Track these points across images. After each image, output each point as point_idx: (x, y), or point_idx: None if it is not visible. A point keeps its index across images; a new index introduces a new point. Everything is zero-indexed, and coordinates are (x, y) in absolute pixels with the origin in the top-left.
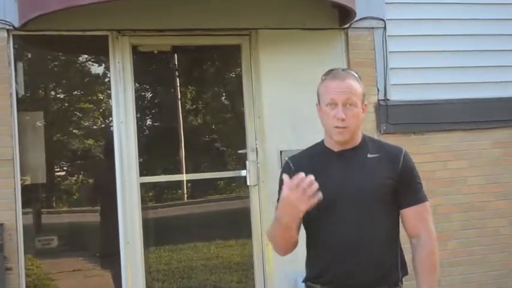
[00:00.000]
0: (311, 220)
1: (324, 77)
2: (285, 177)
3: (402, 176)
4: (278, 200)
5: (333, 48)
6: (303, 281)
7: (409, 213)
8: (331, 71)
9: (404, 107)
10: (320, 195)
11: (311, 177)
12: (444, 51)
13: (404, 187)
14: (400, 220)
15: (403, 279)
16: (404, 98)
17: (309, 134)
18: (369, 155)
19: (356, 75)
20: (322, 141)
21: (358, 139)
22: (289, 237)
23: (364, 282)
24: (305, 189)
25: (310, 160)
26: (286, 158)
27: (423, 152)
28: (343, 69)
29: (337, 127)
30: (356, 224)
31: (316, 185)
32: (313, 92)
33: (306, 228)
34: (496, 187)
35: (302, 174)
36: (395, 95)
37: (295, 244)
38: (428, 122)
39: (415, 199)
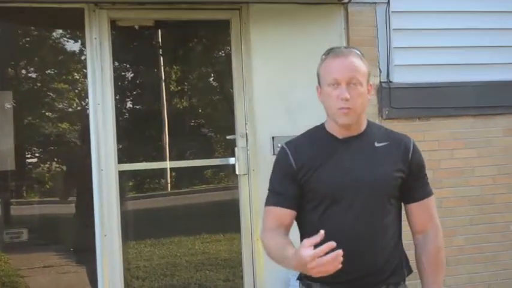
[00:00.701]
0: (311, 215)
1: (324, 56)
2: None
3: (412, 168)
4: (269, 189)
5: (331, 25)
6: (297, 279)
7: (417, 208)
8: (331, 49)
9: (408, 90)
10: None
11: (340, 252)
12: (453, 29)
13: (414, 180)
14: (406, 215)
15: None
16: (408, 80)
17: (304, 118)
18: (376, 144)
19: (359, 53)
20: (323, 125)
21: (364, 124)
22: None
23: (370, 281)
24: (327, 262)
25: (311, 147)
26: (281, 144)
27: (428, 139)
28: (345, 47)
29: (341, 108)
30: (364, 220)
31: (340, 259)
32: (309, 72)
33: (302, 223)
34: (507, 178)
35: (332, 248)
36: (399, 77)
37: None
38: (434, 106)
39: (424, 193)
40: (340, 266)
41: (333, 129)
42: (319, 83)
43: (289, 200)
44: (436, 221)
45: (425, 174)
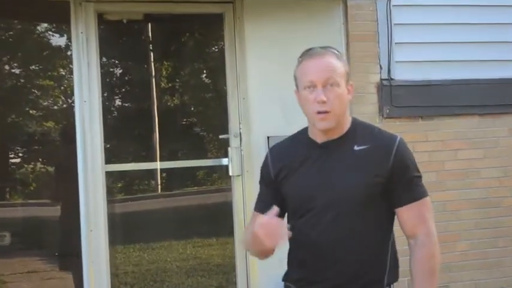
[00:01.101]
0: (290, 221)
1: (300, 59)
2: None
3: (394, 172)
4: (258, 194)
5: (329, 20)
6: (282, 280)
7: (404, 212)
8: (307, 50)
9: (410, 88)
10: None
11: (282, 222)
12: (458, 23)
13: (398, 184)
14: (397, 219)
15: (393, 285)
16: (410, 78)
17: (301, 117)
18: (355, 147)
19: (336, 52)
20: (306, 129)
21: (346, 127)
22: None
23: None
24: (273, 228)
25: (290, 152)
26: (269, 148)
27: (432, 139)
28: (321, 47)
29: (318, 112)
30: (336, 228)
31: (285, 227)
32: None
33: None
34: None
35: (273, 213)
36: (401, 74)
37: (272, 251)
38: (438, 105)
39: (411, 196)
40: (285, 237)
41: (313, 133)
42: (296, 86)
43: (270, 208)
44: (428, 225)
45: (416, 176)
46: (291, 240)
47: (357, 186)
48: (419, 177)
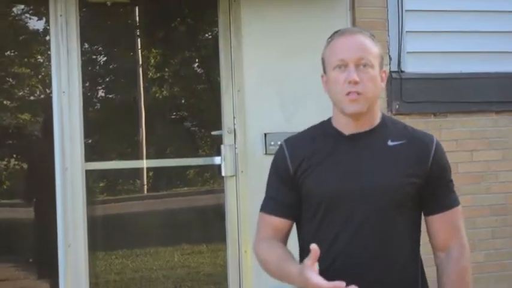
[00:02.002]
0: (308, 224)
1: (329, 39)
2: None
3: (433, 173)
4: (266, 192)
5: (334, 5)
6: None
7: (439, 221)
8: (337, 30)
9: (422, 81)
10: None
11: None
12: (476, 11)
13: (434, 188)
14: (426, 228)
15: None
16: (423, 70)
17: (301, 112)
18: (389, 142)
19: (369, 34)
20: (330, 120)
21: (377, 118)
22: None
23: None
24: None
25: (311, 144)
26: (280, 142)
27: (445, 138)
28: (353, 27)
29: (349, 93)
30: (366, 233)
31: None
32: (308, 59)
33: (300, 233)
34: None
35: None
36: (412, 66)
37: None
38: (452, 100)
39: (448, 203)
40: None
41: (339, 123)
42: (324, 70)
43: (286, 208)
44: (463, 237)
45: (450, 181)
46: (305, 246)
47: (393, 183)
48: (453, 182)
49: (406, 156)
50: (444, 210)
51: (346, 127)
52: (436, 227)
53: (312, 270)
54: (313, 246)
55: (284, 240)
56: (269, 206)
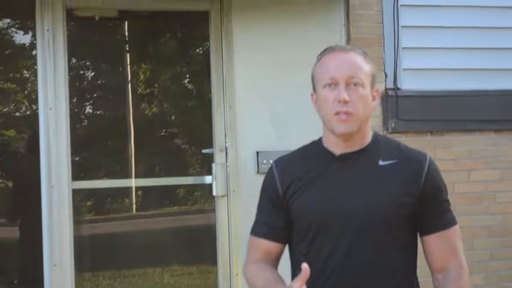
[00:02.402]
0: (299, 247)
1: (320, 56)
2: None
3: (426, 192)
4: (256, 215)
5: (328, 20)
6: None
7: (434, 241)
8: (329, 47)
9: (418, 99)
10: None
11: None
12: (474, 27)
13: (429, 207)
14: (423, 249)
15: None
16: (419, 87)
17: (295, 130)
18: (381, 162)
19: (362, 51)
20: (320, 139)
21: (368, 137)
22: None
23: None
24: None
25: (301, 165)
26: (272, 161)
27: (442, 157)
28: (345, 44)
29: (338, 113)
30: (357, 256)
31: None
32: (302, 75)
33: (292, 256)
34: None
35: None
36: (408, 83)
37: None
38: (449, 119)
39: (443, 222)
40: None
41: (329, 143)
42: (314, 88)
43: (277, 232)
44: (461, 258)
45: (446, 200)
46: (296, 269)
47: (384, 204)
48: (449, 201)
49: (397, 175)
50: (440, 230)
51: (337, 147)
52: (432, 247)
53: None
54: (304, 266)
55: (275, 263)
56: (259, 229)
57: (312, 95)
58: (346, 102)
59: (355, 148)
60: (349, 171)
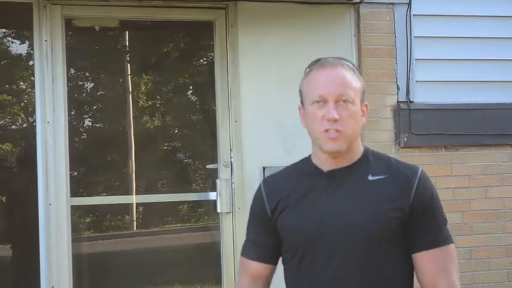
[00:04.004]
0: (289, 267)
1: (307, 69)
2: None
3: (415, 208)
4: (246, 235)
5: (338, 30)
6: None
7: (422, 259)
8: (317, 60)
9: (432, 112)
10: None
11: None
12: (489, 37)
13: (419, 223)
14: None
15: None
16: (433, 100)
17: (302, 144)
18: (370, 177)
19: (351, 65)
20: (310, 157)
21: (358, 153)
22: None
23: None
24: None
25: (289, 182)
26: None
27: (457, 173)
28: (333, 58)
29: (327, 131)
30: (347, 274)
31: None
32: None
33: (285, 276)
34: None
35: None
36: (422, 96)
37: None
38: (464, 133)
39: (433, 240)
40: None
41: (318, 159)
42: (302, 102)
43: (267, 253)
44: (451, 277)
45: (439, 216)
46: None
47: (373, 219)
48: (444, 219)
49: (387, 190)
50: (429, 248)
51: (325, 163)
52: (421, 265)
53: None
54: None
55: (266, 284)
56: (249, 250)
57: (299, 108)
58: (336, 120)
59: (344, 164)
60: (337, 187)
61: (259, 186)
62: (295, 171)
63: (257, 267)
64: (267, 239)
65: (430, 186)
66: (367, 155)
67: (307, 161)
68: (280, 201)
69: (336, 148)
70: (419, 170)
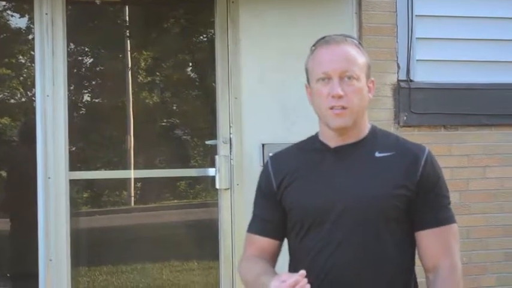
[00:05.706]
0: (293, 242)
1: (313, 47)
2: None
3: (422, 186)
4: (253, 211)
5: (339, 8)
6: None
7: (426, 238)
8: (322, 38)
9: (432, 92)
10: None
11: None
12: (491, 17)
13: (424, 202)
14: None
15: None
16: (433, 79)
17: (303, 121)
18: (377, 154)
19: (356, 41)
20: (317, 134)
21: (364, 130)
22: None
23: None
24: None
25: (296, 158)
26: (270, 155)
27: (456, 153)
28: (338, 35)
29: (333, 108)
30: (350, 250)
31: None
32: None
33: (289, 251)
34: None
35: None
36: (422, 75)
37: None
38: (464, 112)
39: (437, 219)
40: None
41: (325, 136)
42: (308, 80)
43: (273, 227)
44: (453, 257)
45: (444, 196)
46: (292, 264)
47: (380, 195)
48: (448, 198)
49: (394, 167)
50: (433, 227)
51: (332, 140)
52: (424, 244)
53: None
54: (302, 273)
55: (271, 261)
56: (255, 225)
57: (306, 87)
58: (340, 97)
59: (351, 140)
60: (344, 163)
61: (267, 162)
62: (302, 148)
63: (263, 241)
64: (273, 213)
65: (437, 167)
66: (375, 131)
67: (314, 138)
68: (286, 176)
69: (341, 124)
70: (427, 149)
